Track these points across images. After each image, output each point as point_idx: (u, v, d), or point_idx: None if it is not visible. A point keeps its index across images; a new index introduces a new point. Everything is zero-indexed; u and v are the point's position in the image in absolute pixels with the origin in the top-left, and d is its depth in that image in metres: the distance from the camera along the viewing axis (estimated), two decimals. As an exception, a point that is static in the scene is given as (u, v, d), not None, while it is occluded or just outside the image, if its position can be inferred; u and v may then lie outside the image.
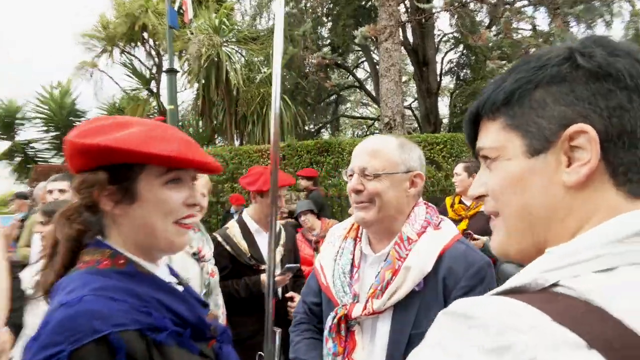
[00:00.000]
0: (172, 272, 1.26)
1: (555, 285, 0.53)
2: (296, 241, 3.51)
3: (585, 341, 0.46)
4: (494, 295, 0.56)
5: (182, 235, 1.11)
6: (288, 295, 3.10)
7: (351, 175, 1.57)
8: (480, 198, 0.73)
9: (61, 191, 3.34)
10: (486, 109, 0.69)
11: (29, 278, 2.79)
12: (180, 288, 1.19)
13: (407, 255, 1.47)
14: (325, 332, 1.54)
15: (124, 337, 0.90)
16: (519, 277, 0.56)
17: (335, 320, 1.51)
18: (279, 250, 3.17)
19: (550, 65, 0.63)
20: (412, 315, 1.41)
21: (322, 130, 23.40)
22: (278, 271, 3.06)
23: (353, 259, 1.62)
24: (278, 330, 1.52)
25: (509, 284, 0.56)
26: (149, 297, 1.00)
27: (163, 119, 1.29)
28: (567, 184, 0.61)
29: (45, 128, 16.41)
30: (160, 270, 1.15)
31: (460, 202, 4.27)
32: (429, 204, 1.65)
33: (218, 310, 2.76)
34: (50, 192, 3.36)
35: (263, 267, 3.03)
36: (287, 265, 2.95)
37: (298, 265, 3.07)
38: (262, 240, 3.13)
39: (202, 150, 1.12)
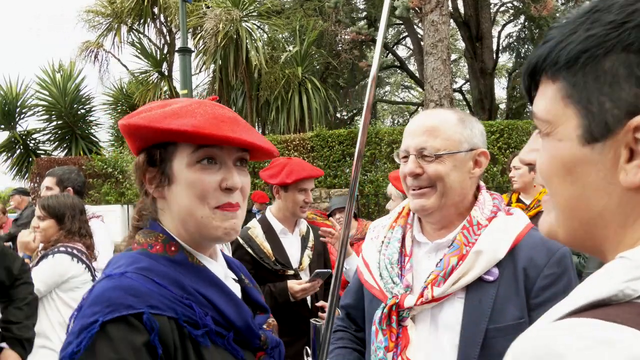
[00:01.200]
0: (233, 268, 1.33)
1: None
2: (327, 244, 3.54)
3: None
4: (573, 315, 0.55)
5: (228, 219, 1.15)
6: (318, 304, 3.13)
7: (405, 157, 1.58)
8: (531, 166, 0.71)
9: (48, 188, 3.88)
10: (546, 66, 0.65)
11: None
12: (236, 286, 1.27)
13: (476, 240, 1.49)
14: (375, 326, 1.56)
15: (158, 320, 1.00)
16: (597, 287, 0.55)
17: (386, 310, 1.53)
18: (307, 254, 3.19)
19: (632, 25, 0.56)
20: (488, 308, 1.43)
21: (356, 118, 23.40)
22: (306, 277, 3.11)
23: (403, 247, 1.64)
24: (320, 323, 1.56)
25: (586, 297, 0.55)
26: (193, 290, 1.09)
27: (216, 99, 1.37)
28: (623, 184, 0.58)
29: (46, 117, 16.98)
30: (214, 264, 1.23)
31: (519, 200, 4.20)
32: (492, 192, 1.67)
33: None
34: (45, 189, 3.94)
35: (289, 272, 3.07)
36: (317, 271, 2.97)
37: (329, 271, 3.09)
38: (288, 242, 3.16)
39: (246, 128, 1.16)
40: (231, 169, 1.16)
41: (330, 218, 5.28)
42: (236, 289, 1.26)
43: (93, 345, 0.95)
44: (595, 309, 0.53)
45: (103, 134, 18.72)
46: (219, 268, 1.23)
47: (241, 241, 3.08)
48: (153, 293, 1.02)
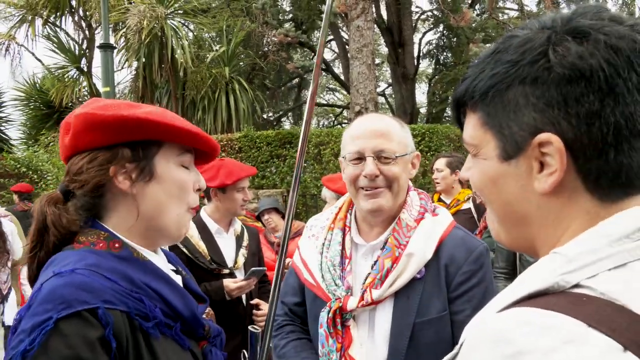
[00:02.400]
0: (171, 260, 1.36)
1: (576, 286, 0.61)
2: (259, 243, 3.61)
3: (620, 344, 0.53)
4: (517, 304, 0.63)
5: (188, 222, 1.25)
6: (253, 302, 3.20)
7: (357, 160, 1.64)
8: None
9: None
10: (466, 100, 0.77)
11: None
12: (178, 278, 1.30)
13: (407, 242, 1.60)
14: (323, 329, 1.64)
15: (112, 314, 1.01)
16: (535, 280, 0.64)
17: (331, 314, 1.61)
18: (242, 253, 3.25)
19: (525, 62, 0.68)
20: (415, 304, 1.55)
21: (283, 119, 23.49)
22: (241, 276, 3.16)
23: (343, 250, 1.72)
24: (257, 331, 1.59)
25: (526, 288, 0.63)
26: (142, 284, 1.11)
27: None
28: (538, 191, 0.69)
29: (-51, 112, 15.78)
30: (157, 257, 1.25)
31: (440, 199, 4.48)
32: (420, 190, 1.79)
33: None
34: None
35: (225, 271, 3.12)
36: (252, 269, 3.04)
37: (264, 269, 3.17)
38: (224, 242, 3.21)
39: None
40: (198, 173, 1.25)
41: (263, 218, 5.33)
42: (178, 281, 1.29)
43: (47, 342, 0.94)
44: (534, 298, 0.62)
45: (14, 132, 17.62)
46: (161, 261, 1.26)
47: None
48: (106, 288, 1.03)
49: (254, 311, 3.20)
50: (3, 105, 16.90)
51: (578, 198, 0.68)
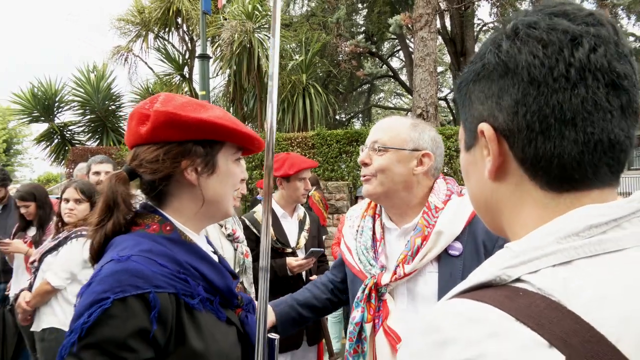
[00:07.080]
0: (209, 242, 1.41)
1: (517, 280, 0.56)
2: (319, 227, 3.65)
3: (546, 340, 0.49)
4: (458, 295, 0.59)
5: (232, 206, 1.32)
6: (312, 278, 3.25)
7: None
8: None
9: (107, 173, 3.80)
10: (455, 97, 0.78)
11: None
12: (215, 257, 1.33)
13: (435, 222, 1.58)
14: (354, 303, 1.66)
15: (160, 297, 1.04)
16: (482, 272, 0.60)
17: (367, 290, 1.62)
18: (304, 235, 3.32)
19: (476, 60, 0.68)
20: (458, 279, 1.50)
21: (353, 120, 23.42)
22: (301, 255, 3.23)
23: (374, 234, 1.73)
24: (276, 337, 1.42)
25: (473, 280, 0.59)
26: (187, 265, 1.14)
27: None
28: (484, 176, 0.67)
29: (81, 111, 17.03)
30: (200, 240, 1.29)
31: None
32: (446, 177, 1.75)
33: (251, 289, 2.93)
34: (97, 173, 3.82)
35: (288, 250, 3.20)
36: (312, 250, 3.10)
37: (322, 250, 3.22)
38: (288, 225, 3.30)
39: None
40: (244, 166, 1.31)
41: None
42: (215, 259, 1.31)
43: (103, 318, 0.97)
44: (476, 290, 0.58)
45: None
46: (202, 243, 1.29)
47: (248, 223, 3.20)
48: (156, 274, 1.05)
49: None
50: (122, 105, 18.01)
51: (523, 185, 0.64)
